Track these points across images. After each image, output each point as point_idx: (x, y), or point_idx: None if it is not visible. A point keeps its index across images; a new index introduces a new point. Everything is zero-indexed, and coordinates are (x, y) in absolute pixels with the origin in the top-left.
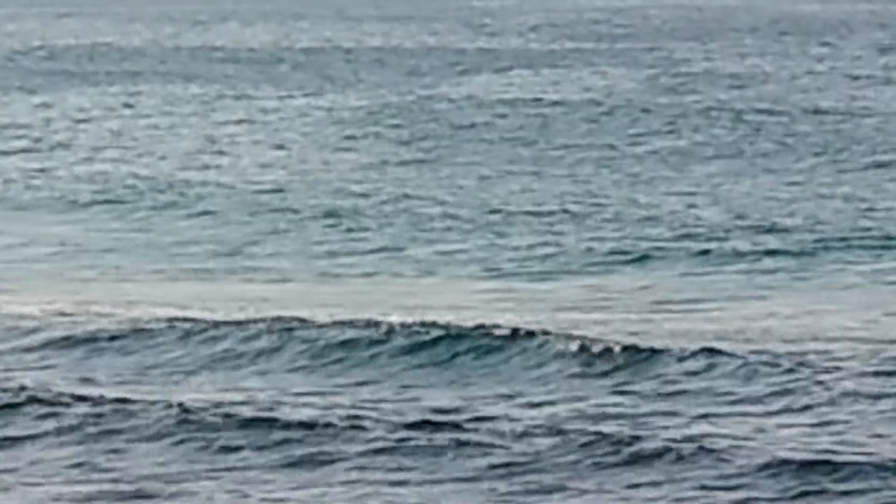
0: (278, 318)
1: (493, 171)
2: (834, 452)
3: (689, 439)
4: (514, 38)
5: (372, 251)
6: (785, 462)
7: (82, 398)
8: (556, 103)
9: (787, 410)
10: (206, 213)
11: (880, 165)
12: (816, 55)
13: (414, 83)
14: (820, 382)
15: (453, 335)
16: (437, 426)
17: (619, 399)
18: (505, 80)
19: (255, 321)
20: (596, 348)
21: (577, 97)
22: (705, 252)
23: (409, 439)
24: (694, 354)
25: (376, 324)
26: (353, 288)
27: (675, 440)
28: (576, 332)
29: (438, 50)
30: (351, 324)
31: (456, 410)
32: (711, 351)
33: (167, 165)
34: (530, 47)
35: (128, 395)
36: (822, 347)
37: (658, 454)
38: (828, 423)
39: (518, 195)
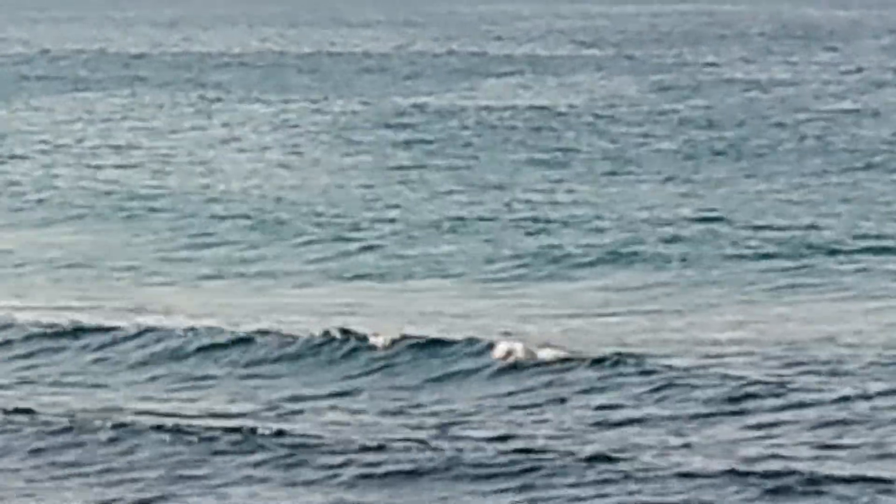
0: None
1: (479, 178)
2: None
3: (618, 449)
4: (517, 44)
5: (341, 258)
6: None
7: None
8: (555, 109)
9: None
10: (186, 218)
11: (883, 168)
12: (823, 60)
13: (411, 89)
14: (767, 392)
15: (395, 342)
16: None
17: (551, 407)
18: (503, 86)
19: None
20: (530, 355)
21: (582, 103)
22: (688, 256)
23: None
24: (637, 360)
25: (323, 332)
26: (320, 294)
27: (597, 451)
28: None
29: (441, 55)
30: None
31: (370, 415)
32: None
33: (164, 172)
34: (531, 53)
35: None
36: (783, 355)
37: (578, 465)
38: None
39: (502, 200)
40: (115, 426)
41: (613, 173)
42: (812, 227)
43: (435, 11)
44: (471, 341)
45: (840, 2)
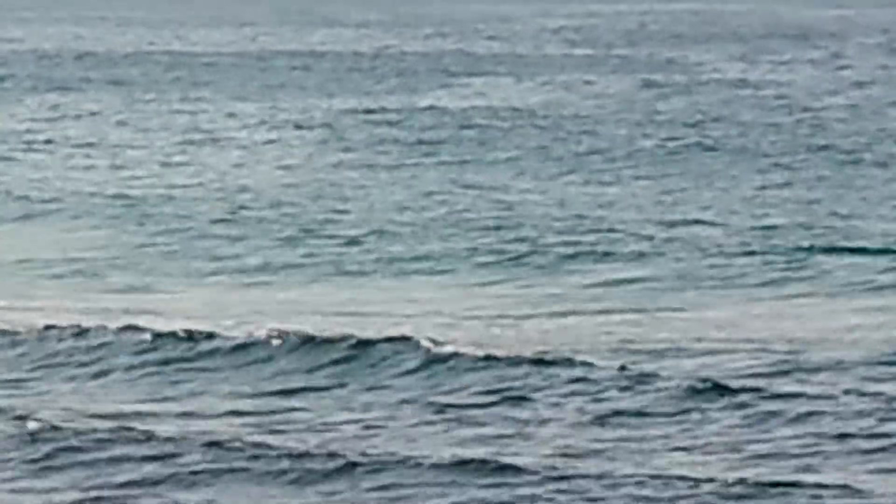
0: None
1: (465, 177)
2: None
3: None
4: (508, 44)
5: (307, 256)
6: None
7: None
8: (544, 108)
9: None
10: (164, 217)
11: (871, 166)
12: (814, 59)
13: (401, 88)
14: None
15: (319, 343)
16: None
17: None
18: (492, 85)
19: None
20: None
21: (574, 102)
22: (664, 255)
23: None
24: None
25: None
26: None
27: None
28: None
29: (432, 55)
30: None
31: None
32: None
33: (150, 172)
34: (523, 53)
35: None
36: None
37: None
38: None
39: (484, 199)
40: (53, 428)
41: (600, 171)
42: (786, 226)
43: (426, 12)
44: (404, 340)
45: (833, 1)
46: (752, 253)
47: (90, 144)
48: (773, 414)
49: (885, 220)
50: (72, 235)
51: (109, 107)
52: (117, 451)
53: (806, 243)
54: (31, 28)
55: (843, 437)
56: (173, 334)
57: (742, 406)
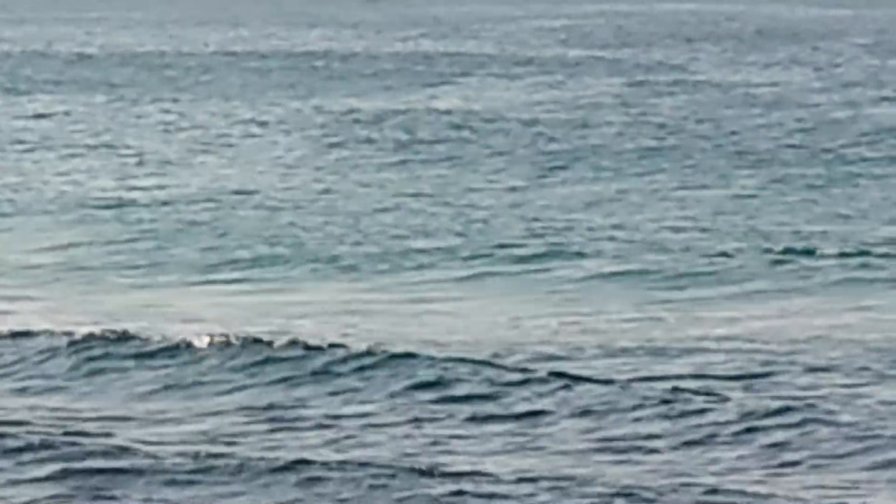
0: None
1: (446, 180)
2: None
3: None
4: (498, 45)
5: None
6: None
7: None
8: (531, 110)
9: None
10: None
11: (860, 168)
12: (811, 60)
13: (392, 89)
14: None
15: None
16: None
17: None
18: (475, 87)
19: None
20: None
21: (565, 102)
22: (626, 255)
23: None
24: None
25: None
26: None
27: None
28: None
29: (426, 56)
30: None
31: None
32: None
33: (133, 174)
34: (514, 54)
35: None
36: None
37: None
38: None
39: (454, 202)
40: None
41: (595, 170)
42: (779, 226)
43: (424, 13)
44: (380, 342)
45: (833, 1)
46: (740, 253)
47: (79, 144)
48: (761, 414)
49: (879, 222)
50: (56, 235)
51: (100, 107)
52: (75, 450)
53: (795, 244)
54: (28, 28)
55: (836, 436)
56: (138, 337)
57: (730, 406)
